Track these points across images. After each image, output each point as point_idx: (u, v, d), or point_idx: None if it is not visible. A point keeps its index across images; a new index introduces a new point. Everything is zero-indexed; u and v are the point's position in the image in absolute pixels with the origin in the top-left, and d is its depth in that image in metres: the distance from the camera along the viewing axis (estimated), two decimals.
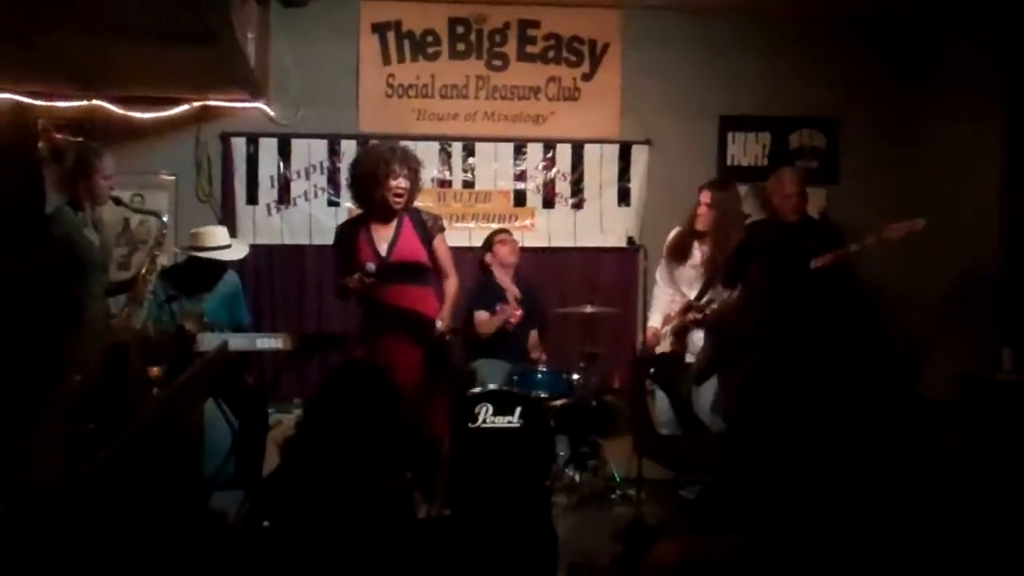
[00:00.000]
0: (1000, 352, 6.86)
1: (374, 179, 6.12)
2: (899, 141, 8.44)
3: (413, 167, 6.28)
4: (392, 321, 6.11)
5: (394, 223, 6.24)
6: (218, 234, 6.73)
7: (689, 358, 6.83)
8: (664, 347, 6.95)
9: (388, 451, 3.59)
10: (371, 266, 6.06)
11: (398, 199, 6.17)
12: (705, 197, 6.86)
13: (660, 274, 7.13)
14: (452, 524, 5.80)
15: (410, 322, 6.16)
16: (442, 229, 6.44)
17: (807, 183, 7.66)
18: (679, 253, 6.93)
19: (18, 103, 7.72)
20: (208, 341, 5.88)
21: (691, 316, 6.76)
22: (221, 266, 6.70)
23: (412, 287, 6.23)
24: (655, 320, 7.07)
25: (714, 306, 6.67)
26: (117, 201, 6.31)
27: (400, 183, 6.15)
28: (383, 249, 6.20)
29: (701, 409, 6.58)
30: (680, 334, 6.84)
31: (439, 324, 6.30)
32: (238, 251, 6.86)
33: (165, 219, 6.64)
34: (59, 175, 6.08)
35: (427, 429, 6.04)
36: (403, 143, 6.61)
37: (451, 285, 6.42)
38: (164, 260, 6.86)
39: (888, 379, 5.37)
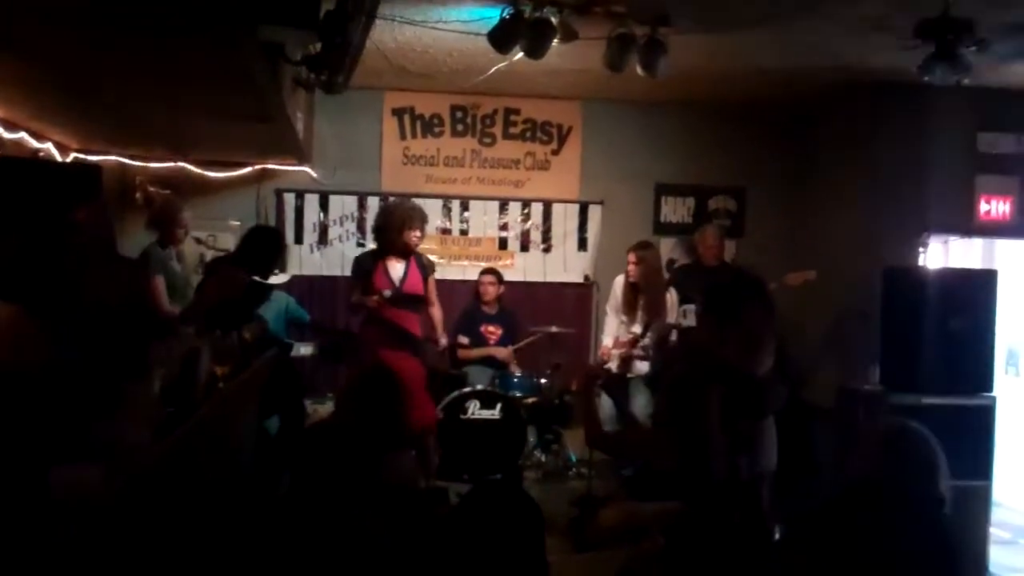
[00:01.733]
0: (868, 368, 6.90)
1: (399, 229, 6.20)
2: (791, 203, 8.48)
3: (424, 223, 6.43)
4: (395, 336, 6.14)
5: (404, 262, 6.30)
6: None
7: (630, 374, 6.89)
8: (612, 367, 7.00)
9: (398, 434, 3.61)
10: (388, 292, 6.13)
11: (414, 245, 6.26)
12: (632, 256, 6.93)
13: (610, 307, 7.18)
14: (445, 495, 5.84)
15: (408, 338, 6.22)
16: (433, 270, 6.59)
17: (723, 237, 7.78)
18: (624, 299, 7.00)
19: (121, 163, 7.74)
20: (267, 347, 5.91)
21: (636, 351, 6.82)
22: (269, 287, 6.77)
23: (411, 313, 6.31)
24: (607, 341, 7.11)
25: (644, 342, 6.77)
26: (198, 241, 6.41)
27: (416, 234, 6.26)
28: (396, 280, 6.25)
29: (636, 412, 6.67)
30: (626, 360, 6.89)
31: (442, 340, 6.43)
32: (282, 278, 6.95)
33: None
34: (149, 220, 6.10)
35: (422, 419, 6.05)
36: (416, 201, 6.75)
37: (437, 312, 6.59)
38: None
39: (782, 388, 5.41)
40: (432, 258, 8.19)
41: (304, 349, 6.75)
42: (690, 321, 7.17)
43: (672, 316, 6.98)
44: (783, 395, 5.59)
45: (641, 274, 6.89)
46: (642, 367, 6.90)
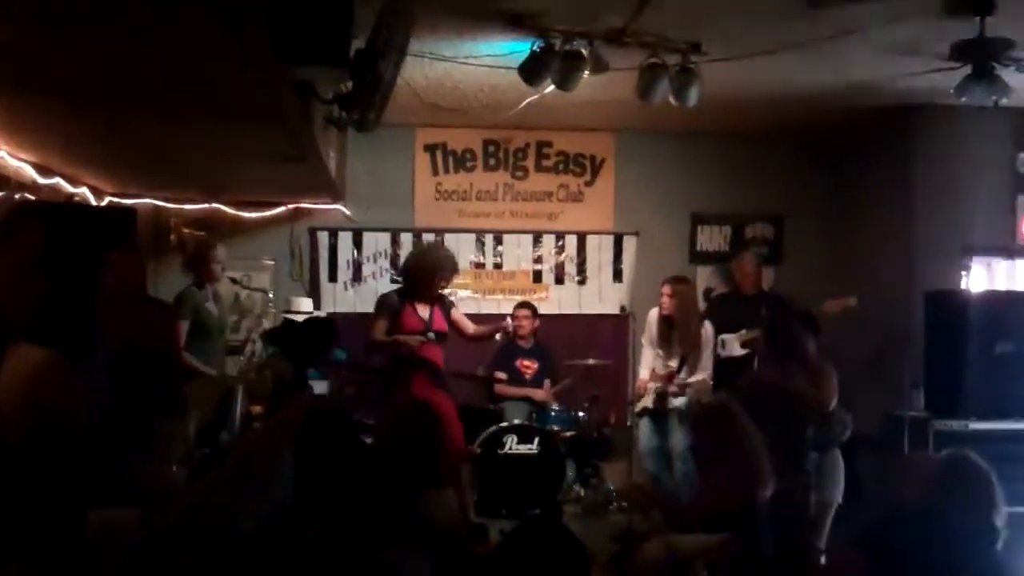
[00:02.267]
0: (912, 394, 6.80)
1: (429, 277, 6.24)
2: (829, 229, 8.42)
3: (455, 272, 6.56)
4: (428, 373, 6.16)
5: (428, 303, 6.31)
6: (304, 303, 6.97)
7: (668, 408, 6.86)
8: (648, 401, 6.96)
9: (440, 470, 3.58)
10: (432, 334, 6.18)
11: (441, 291, 6.34)
12: (667, 289, 6.91)
13: (645, 339, 7.15)
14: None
15: (440, 375, 6.27)
16: (454, 304, 6.65)
17: (761, 264, 7.72)
18: (659, 332, 6.98)
19: (155, 206, 7.84)
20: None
21: (672, 388, 6.79)
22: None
23: (438, 347, 6.32)
24: (643, 374, 7.08)
25: (691, 380, 6.73)
26: (234, 281, 6.49)
27: (445, 282, 6.34)
28: (426, 320, 6.27)
29: (674, 446, 6.65)
30: (662, 396, 6.85)
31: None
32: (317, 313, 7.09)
33: (271, 295, 6.71)
34: (184, 262, 6.18)
35: (457, 454, 6.05)
36: (448, 237, 6.80)
37: (471, 327, 6.59)
38: (267, 325, 6.95)
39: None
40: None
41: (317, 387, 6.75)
42: (729, 351, 7.12)
43: (707, 349, 6.92)
44: (848, 424, 5.53)
45: (675, 308, 6.85)
46: (678, 402, 6.85)
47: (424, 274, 6.30)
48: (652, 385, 6.95)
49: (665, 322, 6.95)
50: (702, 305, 7.65)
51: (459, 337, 6.53)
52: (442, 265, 6.36)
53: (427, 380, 6.06)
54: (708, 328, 6.99)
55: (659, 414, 6.92)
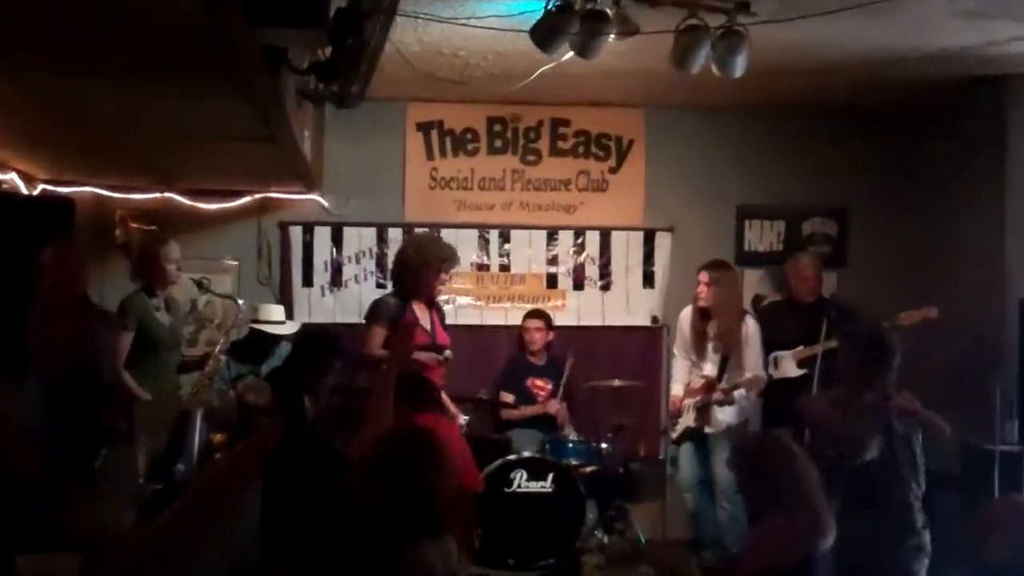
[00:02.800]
0: (1003, 424, 6.79)
1: (429, 271, 6.24)
2: (903, 224, 8.41)
3: (456, 264, 6.63)
4: (432, 396, 6.15)
5: (427, 309, 6.33)
6: (275, 312, 6.97)
7: (710, 429, 6.87)
8: (688, 420, 6.97)
9: (436, 516, 3.57)
10: (448, 352, 6.27)
11: (440, 292, 6.34)
12: (704, 277, 6.96)
13: (678, 347, 7.18)
14: None
15: (438, 399, 6.29)
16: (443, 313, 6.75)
17: (821, 266, 7.72)
18: (693, 330, 7.00)
19: (97, 195, 7.83)
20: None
21: (715, 396, 6.79)
22: (275, 339, 6.86)
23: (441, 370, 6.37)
24: (676, 389, 7.12)
25: (740, 380, 6.73)
26: (200, 285, 6.48)
27: (445, 277, 6.37)
28: (429, 331, 6.28)
29: (718, 474, 6.65)
30: (703, 410, 6.86)
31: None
32: (290, 328, 7.07)
33: (241, 303, 6.72)
34: (132, 265, 6.19)
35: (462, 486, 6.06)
36: (446, 232, 6.81)
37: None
38: (233, 337, 6.99)
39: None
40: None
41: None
42: (782, 371, 7.11)
43: (752, 358, 6.89)
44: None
45: (714, 297, 6.87)
46: (724, 416, 6.85)
47: (426, 268, 6.28)
48: (689, 402, 6.96)
49: (701, 316, 6.96)
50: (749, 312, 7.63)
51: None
52: (445, 255, 6.36)
53: (432, 406, 6.06)
54: (750, 324, 7.00)
55: (700, 437, 6.94)
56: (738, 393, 6.78)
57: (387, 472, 3.45)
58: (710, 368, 6.95)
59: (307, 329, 6.90)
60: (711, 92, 7.21)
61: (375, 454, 3.60)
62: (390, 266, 8.05)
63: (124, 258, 6.96)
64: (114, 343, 5.28)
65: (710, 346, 6.94)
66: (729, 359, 6.82)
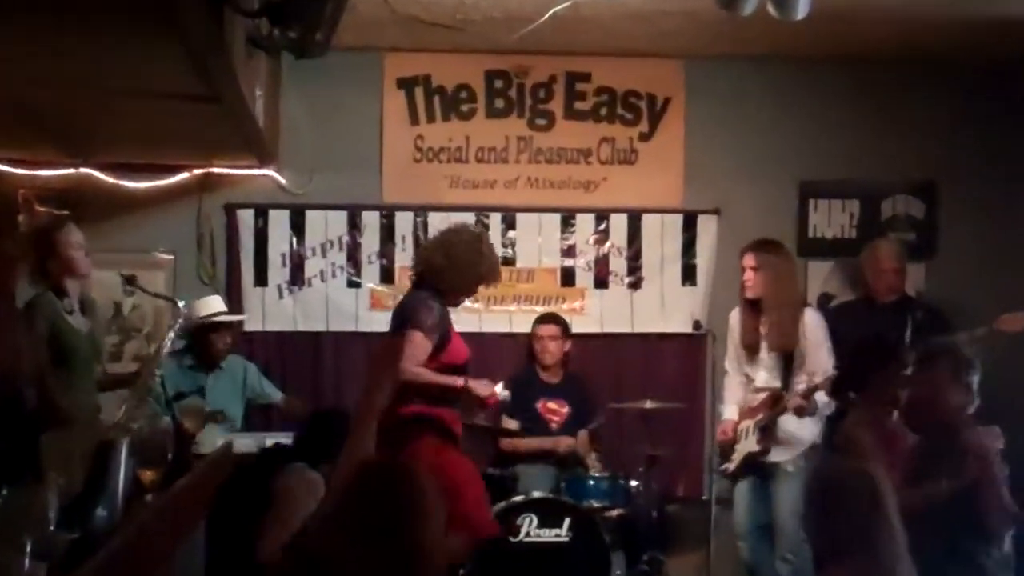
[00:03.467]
0: None
1: (480, 279, 6.25)
2: (1007, 206, 8.43)
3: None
4: (452, 430, 6.17)
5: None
6: (211, 303, 7.02)
7: (777, 456, 6.81)
8: (750, 445, 6.92)
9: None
10: (507, 393, 6.25)
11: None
12: (749, 260, 6.89)
13: (730, 359, 7.16)
14: None
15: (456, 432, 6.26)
16: None
17: (905, 257, 7.68)
18: (746, 335, 6.96)
19: None
20: (209, 441, 5.97)
21: (791, 404, 6.71)
22: (223, 329, 6.91)
23: None
24: (729, 412, 7.07)
25: (800, 387, 6.68)
26: (129, 280, 6.46)
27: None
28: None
29: (783, 517, 6.61)
30: (767, 430, 6.81)
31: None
32: (235, 315, 7.11)
33: (182, 304, 6.58)
34: (30, 261, 6.10)
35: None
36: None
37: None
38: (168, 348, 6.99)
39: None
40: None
41: (279, 441, 6.76)
42: None
43: (820, 355, 6.82)
44: None
45: (763, 285, 6.81)
46: (801, 432, 6.79)
47: (478, 272, 6.24)
48: (747, 424, 6.90)
49: (750, 310, 6.91)
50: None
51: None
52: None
53: (447, 438, 6.09)
54: (814, 316, 6.94)
55: (763, 469, 6.89)
56: (819, 399, 6.67)
57: (352, 521, 3.44)
58: (764, 377, 6.91)
59: (320, 414, 6.82)
60: (766, 40, 7.22)
61: (338, 497, 3.59)
62: (364, 260, 8.11)
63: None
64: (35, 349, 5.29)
65: (763, 347, 6.89)
66: (792, 360, 6.76)
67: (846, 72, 8.40)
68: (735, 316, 7.12)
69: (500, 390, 6.10)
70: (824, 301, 8.27)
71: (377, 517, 3.40)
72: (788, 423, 6.75)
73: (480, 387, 6.04)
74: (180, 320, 6.47)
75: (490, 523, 6.23)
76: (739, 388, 7.08)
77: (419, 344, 5.97)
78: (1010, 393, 6.76)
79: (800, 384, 6.71)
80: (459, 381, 6.01)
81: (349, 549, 3.36)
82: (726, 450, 7.10)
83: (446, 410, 6.09)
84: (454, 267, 6.20)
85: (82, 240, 6.14)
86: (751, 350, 6.95)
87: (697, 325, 7.82)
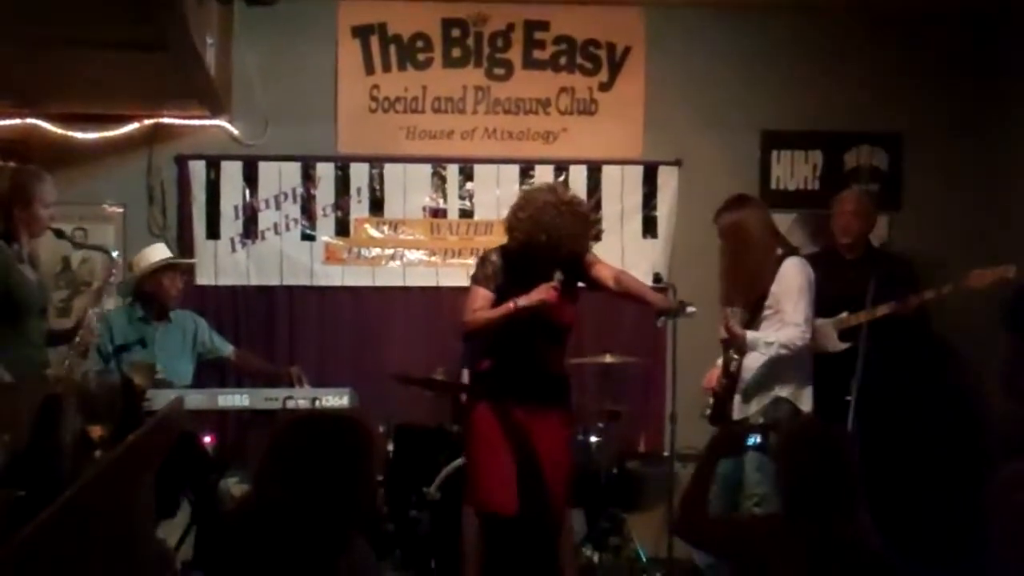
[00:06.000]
0: None
1: (540, 249, 6.15)
2: (974, 158, 8.45)
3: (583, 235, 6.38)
4: (530, 380, 6.18)
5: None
6: (158, 249, 6.99)
7: (744, 410, 6.77)
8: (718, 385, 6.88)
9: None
10: (559, 275, 6.04)
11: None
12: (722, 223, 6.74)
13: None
14: None
15: (549, 382, 6.26)
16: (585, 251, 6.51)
17: (873, 207, 7.65)
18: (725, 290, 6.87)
19: None
20: (161, 398, 5.94)
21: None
22: (172, 273, 6.90)
23: (558, 350, 6.37)
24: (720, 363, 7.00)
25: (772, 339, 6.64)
26: (59, 234, 6.37)
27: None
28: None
29: (748, 465, 6.58)
30: (726, 366, 6.74)
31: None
32: (184, 260, 7.10)
33: (116, 255, 6.61)
34: None
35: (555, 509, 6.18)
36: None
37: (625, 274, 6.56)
38: (111, 304, 6.93)
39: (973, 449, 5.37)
40: (417, 255, 8.28)
41: (231, 399, 6.73)
42: (822, 345, 7.03)
43: (791, 305, 6.72)
44: None
45: (734, 244, 6.72)
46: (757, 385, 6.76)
47: (561, 238, 6.13)
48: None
49: (727, 275, 6.81)
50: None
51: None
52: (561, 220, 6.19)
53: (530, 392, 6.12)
54: (794, 265, 6.79)
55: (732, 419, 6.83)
56: (759, 342, 6.58)
57: (285, 472, 3.49)
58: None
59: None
60: None
61: (273, 451, 3.62)
62: (319, 212, 8.09)
63: None
64: None
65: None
66: (756, 310, 6.67)
67: (810, 21, 8.40)
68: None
69: (556, 277, 6.02)
70: (787, 255, 8.25)
71: (308, 468, 3.44)
72: (747, 370, 6.70)
73: (532, 298, 5.97)
74: (115, 271, 6.46)
75: (501, 502, 6.18)
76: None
77: (475, 294, 6.15)
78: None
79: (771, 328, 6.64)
80: (509, 306, 6.00)
81: (284, 499, 3.40)
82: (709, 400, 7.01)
83: (511, 363, 6.16)
84: (511, 227, 6.24)
85: (55, 198, 6.11)
86: (731, 303, 6.89)
87: (658, 278, 7.76)
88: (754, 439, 5.03)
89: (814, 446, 4.17)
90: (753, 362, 6.55)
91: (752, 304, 6.60)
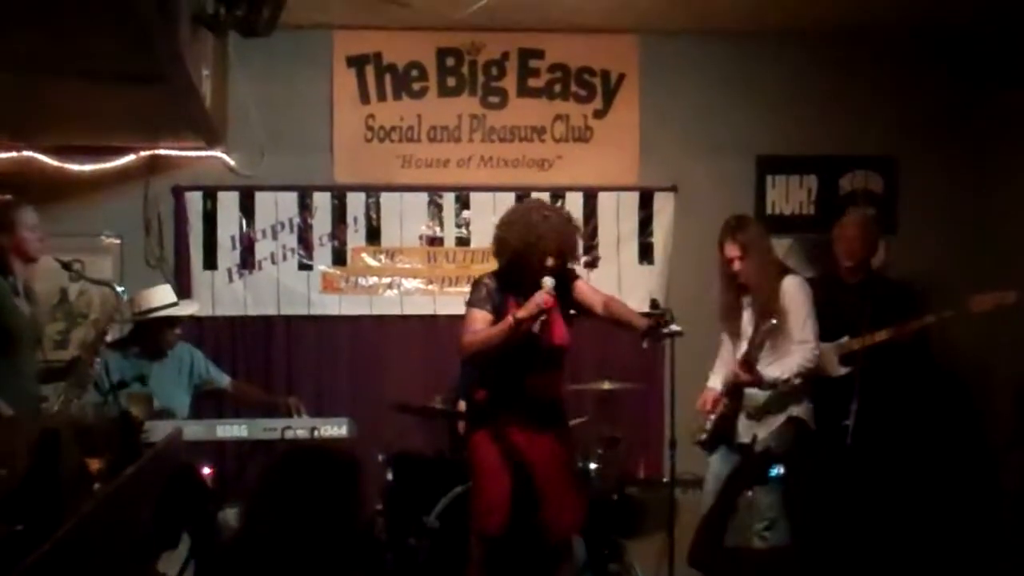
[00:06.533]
0: None
1: (526, 255, 6.10)
2: (970, 180, 8.45)
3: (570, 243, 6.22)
4: (525, 406, 6.11)
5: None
6: (160, 293, 6.94)
7: (749, 433, 6.77)
8: (720, 408, 6.88)
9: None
10: (551, 281, 5.91)
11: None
12: (733, 251, 6.75)
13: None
14: None
15: (555, 411, 6.21)
16: (573, 275, 6.39)
17: (877, 231, 7.61)
18: (729, 311, 6.86)
19: None
20: (159, 430, 5.92)
21: (742, 377, 6.67)
22: (165, 328, 6.87)
23: (554, 374, 6.25)
24: (714, 381, 6.98)
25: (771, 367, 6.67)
26: (66, 267, 6.42)
27: (549, 263, 6.01)
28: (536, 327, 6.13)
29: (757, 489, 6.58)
30: (734, 393, 6.74)
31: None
32: (188, 307, 7.08)
33: (121, 289, 6.60)
34: None
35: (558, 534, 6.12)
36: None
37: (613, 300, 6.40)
38: (112, 336, 6.94)
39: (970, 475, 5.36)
40: (415, 283, 8.27)
41: (229, 430, 6.72)
42: (823, 370, 7.04)
43: (798, 324, 6.74)
44: None
45: (749, 267, 6.73)
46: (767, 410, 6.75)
47: (539, 248, 6.11)
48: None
49: (730, 287, 6.79)
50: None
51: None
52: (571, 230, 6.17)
53: (526, 417, 6.05)
54: (794, 283, 6.79)
55: (737, 442, 6.83)
56: (779, 381, 6.61)
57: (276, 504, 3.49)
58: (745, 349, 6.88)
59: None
60: (724, 14, 7.21)
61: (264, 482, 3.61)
62: (316, 241, 8.12)
63: None
64: None
65: (745, 320, 6.84)
66: (774, 329, 6.69)
67: (803, 46, 8.41)
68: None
69: (547, 284, 5.96)
70: None
71: (296, 501, 3.44)
72: (757, 396, 6.72)
73: (530, 307, 5.82)
74: (120, 305, 6.46)
75: (495, 524, 6.16)
76: (729, 358, 6.98)
77: (473, 316, 6.06)
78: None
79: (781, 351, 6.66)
80: (508, 320, 5.88)
81: (274, 533, 3.40)
82: (703, 422, 7.00)
83: (506, 393, 6.08)
84: (500, 241, 6.17)
85: (37, 222, 6.12)
86: (735, 328, 6.89)
87: (654, 304, 7.71)
88: (777, 470, 5.00)
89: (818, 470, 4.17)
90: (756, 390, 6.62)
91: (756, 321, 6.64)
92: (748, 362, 6.52)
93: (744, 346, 6.69)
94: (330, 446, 4.26)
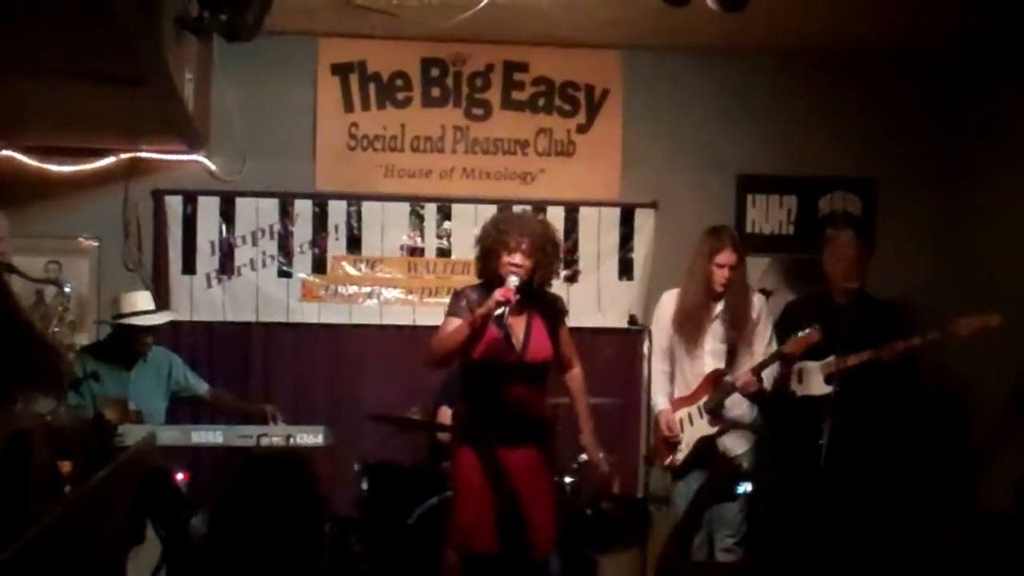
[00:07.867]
0: None
1: (491, 252, 6.09)
2: (949, 202, 8.48)
3: (537, 241, 6.11)
4: (505, 420, 6.11)
5: (524, 313, 6.19)
6: (140, 299, 6.91)
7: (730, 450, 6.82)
8: (701, 429, 6.88)
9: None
10: (515, 280, 5.92)
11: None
12: (730, 258, 6.80)
13: (657, 347, 7.06)
14: None
15: (531, 423, 6.19)
16: (566, 313, 6.50)
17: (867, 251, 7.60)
18: (696, 316, 6.90)
19: None
20: (133, 433, 5.88)
21: (727, 385, 6.75)
22: (140, 336, 6.84)
23: (535, 387, 6.23)
24: (661, 403, 7.00)
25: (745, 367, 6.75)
26: (10, 268, 6.34)
27: (515, 260, 6.01)
28: (517, 342, 6.12)
29: (730, 506, 6.61)
30: (716, 411, 6.81)
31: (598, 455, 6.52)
32: (163, 316, 7.03)
33: (68, 289, 6.62)
34: None
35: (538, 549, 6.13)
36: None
37: (576, 377, 6.53)
38: (85, 339, 6.89)
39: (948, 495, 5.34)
40: (395, 293, 8.23)
41: (204, 436, 6.70)
42: (808, 388, 7.05)
43: (762, 342, 6.89)
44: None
45: (740, 280, 6.84)
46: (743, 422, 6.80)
47: (486, 249, 6.14)
48: (686, 411, 6.88)
49: (704, 298, 6.85)
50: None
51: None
52: (505, 229, 6.12)
53: (501, 429, 6.07)
54: (761, 300, 7.13)
55: (711, 456, 6.86)
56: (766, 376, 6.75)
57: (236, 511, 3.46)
58: (710, 363, 6.90)
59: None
60: (707, 31, 7.21)
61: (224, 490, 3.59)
62: (296, 249, 8.09)
63: None
64: None
65: (710, 333, 6.88)
66: (738, 346, 6.81)
67: (785, 66, 8.44)
68: (668, 301, 7.06)
69: (511, 281, 5.91)
70: (766, 297, 8.25)
71: (254, 506, 3.42)
72: (734, 408, 6.79)
73: (490, 300, 5.87)
74: (68, 306, 6.44)
75: (482, 541, 6.15)
76: (667, 379, 7.06)
77: (447, 324, 6.16)
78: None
79: (745, 365, 6.76)
80: (466, 318, 5.96)
81: (236, 537, 3.38)
82: (668, 443, 7.02)
83: (487, 407, 6.14)
84: (477, 245, 6.28)
85: (7, 231, 6.07)
86: (699, 335, 6.92)
87: (633, 320, 7.77)
88: (744, 487, 5.00)
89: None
90: (738, 402, 6.68)
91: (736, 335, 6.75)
92: (759, 372, 6.65)
93: (707, 358, 6.79)
94: (287, 452, 4.22)
